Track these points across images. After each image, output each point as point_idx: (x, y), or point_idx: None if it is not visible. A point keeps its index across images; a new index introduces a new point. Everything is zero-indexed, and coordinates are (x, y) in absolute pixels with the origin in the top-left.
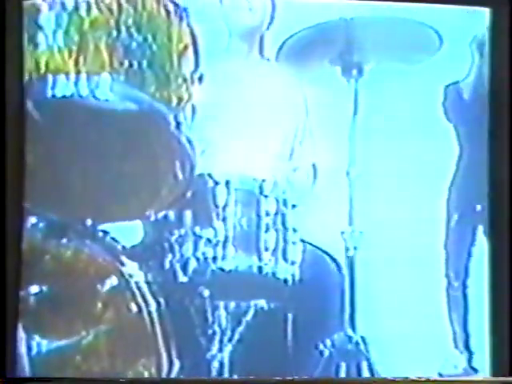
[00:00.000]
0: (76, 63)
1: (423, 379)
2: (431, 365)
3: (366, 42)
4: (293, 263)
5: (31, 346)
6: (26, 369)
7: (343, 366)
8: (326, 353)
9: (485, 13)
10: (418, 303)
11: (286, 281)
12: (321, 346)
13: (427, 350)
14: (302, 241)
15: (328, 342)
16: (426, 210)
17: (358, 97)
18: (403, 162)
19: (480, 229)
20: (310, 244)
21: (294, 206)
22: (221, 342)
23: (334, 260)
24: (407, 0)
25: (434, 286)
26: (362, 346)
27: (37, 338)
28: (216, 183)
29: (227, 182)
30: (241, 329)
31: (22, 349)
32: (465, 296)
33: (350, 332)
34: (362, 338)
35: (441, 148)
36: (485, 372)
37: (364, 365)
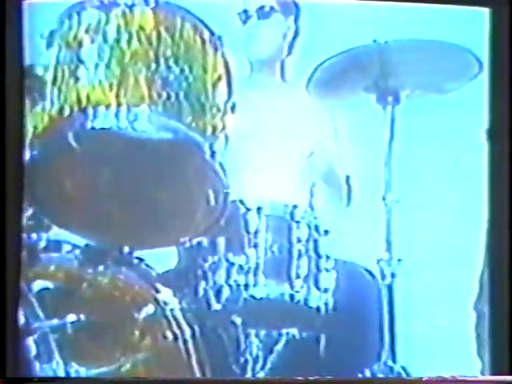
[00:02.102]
0: (116, 96)
1: (420, 379)
2: None
3: (402, 66)
4: (326, 291)
5: (69, 373)
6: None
7: None
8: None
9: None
10: (460, 331)
11: (318, 309)
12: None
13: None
14: (335, 260)
15: (367, 373)
16: (465, 236)
17: (394, 123)
18: (441, 188)
19: None
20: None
21: (326, 232)
22: (253, 370)
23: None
24: (408, 0)
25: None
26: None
27: (74, 365)
28: (247, 209)
29: (259, 209)
30: (272, 357)
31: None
32: None
33: (390, 362)
34: (402, 367)
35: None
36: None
37: None
